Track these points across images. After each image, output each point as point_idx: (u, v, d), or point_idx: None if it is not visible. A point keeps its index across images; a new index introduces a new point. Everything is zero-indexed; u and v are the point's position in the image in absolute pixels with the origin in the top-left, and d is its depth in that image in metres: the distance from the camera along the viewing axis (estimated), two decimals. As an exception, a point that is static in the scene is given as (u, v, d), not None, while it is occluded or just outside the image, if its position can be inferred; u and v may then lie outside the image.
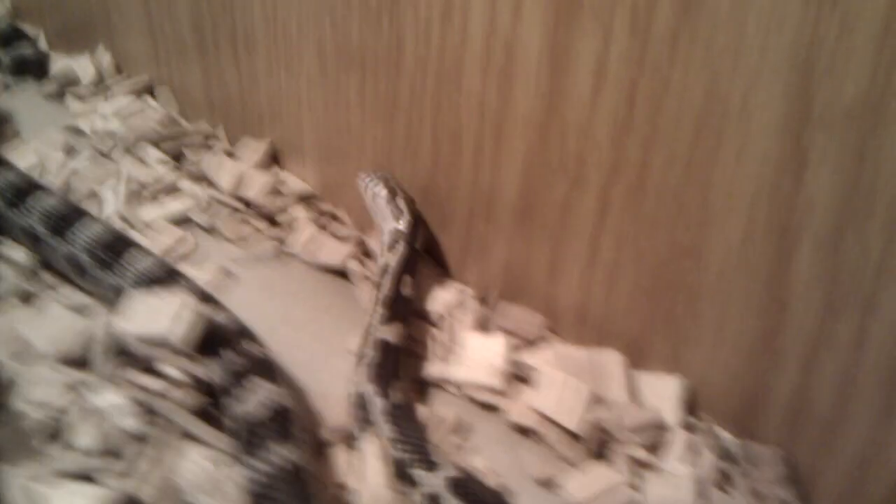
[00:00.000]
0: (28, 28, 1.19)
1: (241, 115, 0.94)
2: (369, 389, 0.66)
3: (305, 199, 0.89)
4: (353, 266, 0.83)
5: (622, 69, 0.60)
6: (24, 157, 0.91)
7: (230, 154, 0.93)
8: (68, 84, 1.06)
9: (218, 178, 0.88)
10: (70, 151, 0.94)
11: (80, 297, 0.75)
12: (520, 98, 0.67)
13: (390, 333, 0.71)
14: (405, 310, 0.76)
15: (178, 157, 0.93)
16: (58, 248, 0.76)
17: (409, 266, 0.78)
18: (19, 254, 0.78)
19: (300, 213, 0.88)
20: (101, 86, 1.06)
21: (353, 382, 0.67)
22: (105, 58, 1.08)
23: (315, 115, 0.86)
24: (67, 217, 0.76)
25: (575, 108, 0.64)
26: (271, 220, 0.87)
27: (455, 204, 0.77)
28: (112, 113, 0.99)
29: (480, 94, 0.69)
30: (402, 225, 0.80)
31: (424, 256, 0.82)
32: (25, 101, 1.05)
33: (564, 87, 0.63)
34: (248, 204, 0.88)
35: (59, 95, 1.06)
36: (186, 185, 0.88)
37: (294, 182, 0.90)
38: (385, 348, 0.71)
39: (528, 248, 0.73)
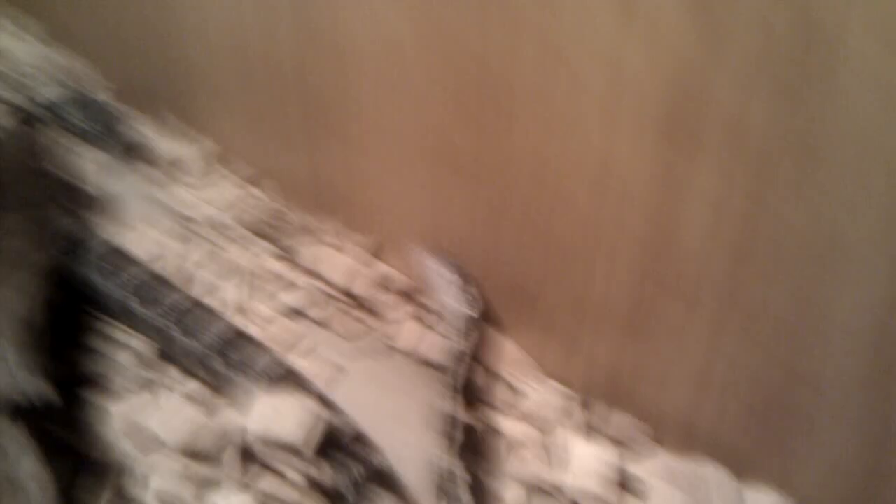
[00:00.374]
0: (122, 105, 1.27)
1: (348, 209, 0.99)
2: (459, 470, 0.70)
3: (409, 294, 0.94)
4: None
5: (743, 206, 0.64)
6: (141, 247, 0.97)
7: (338, 248, 0.98)
8: (173, 170, 1.12)
9: (328, 273, 0.93)
10: (185, 240, 0.99)
11: (199, 389, 0.80)
12: (635, 221, 0.71)
13: (475, 420, 0.76)
14: (481, 398, 0.81)
15: (288, 250, 0.98)
16: (179, 341, 0.81)
17: (481, 353, 0.83)
18: (139, 342, 0.83)
19: (405, 307, 0.92)
20: (206, 173, 1.12)
21: (445, 471, 0.71)
22: (209, 144, 1.14)
23: (423, 215, 0.90)
24: (189, 311, 0.82)
25: (692, 235, 0.68)
26: (378, 315, 0.92)
27: (562, 311, 0.81)
28: (222, 203, 1.05)
29: (596, 212, 0.73)
30: (475, 312, 0.84)
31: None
32: (130, 185, 1.11)
33: (681, 215, 0.67)
34: (356, 298, 0.92)
35: (164, 181, 1.12)
36: (298, 278, 0.94)
37: (399, 277, 0.95)
38: (472, 434, 0.75)
39: (637, 359, 0.76)
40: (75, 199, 0.94)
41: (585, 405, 0.81)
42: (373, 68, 0.86)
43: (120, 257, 0.86)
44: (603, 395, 0.81)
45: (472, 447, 0.75)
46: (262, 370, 0.77)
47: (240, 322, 0.87)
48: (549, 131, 0.73)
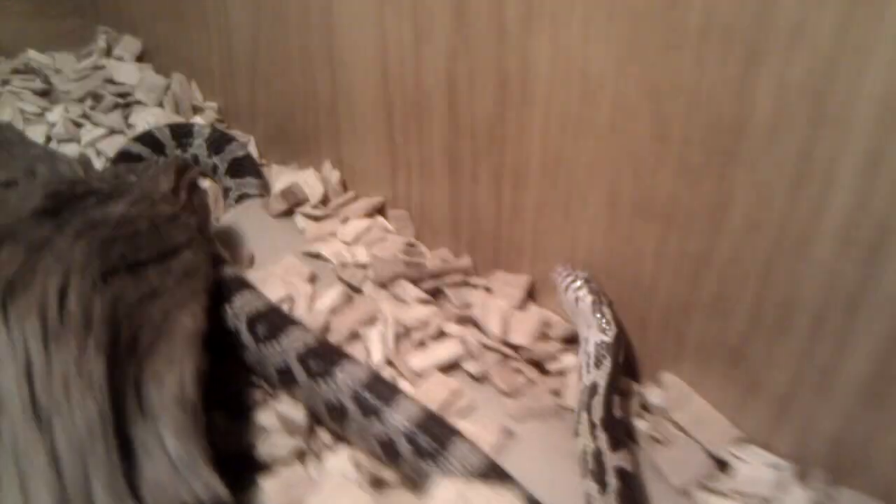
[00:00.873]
0: (238, 134, 1.19)
1: (494, 247, 0.90)
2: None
3: (573, 342, 0.84)
4: (640, 425, 0.76)
5: None
6: (271, 289, 0.88)
7: (487, 290, 0.88)
8: (295, 202, 1.03)
9: (484, 320, 0.84)
10: (315, 280, 0.90)
11: (360, 459, 0.71)
12: (892, 277, 0.60)
13: (625, 461, 0.67)
14: (624, 433, 0.71)
15: (434, 293, 0.89)
16: (320, 393, 0.72)
17: (617, 384, 0.74)
18: (295, 411, 0.74)
19: (570, 359, 0.82)
20: (330, 204, 1.04)
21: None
22: (333, 175, 1.05)
23: (593, 258, 0.80)
24: (331, 361, 0.72)
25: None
26: (541, 367, 0.82)
27: (774, 368, 0.70)
28: (352, 238, 0.96)
29: (834, 266, 0.63)
30: (609, 337, 0.75)
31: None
32: (253, 219, 1.02)
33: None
34: (515, 348, 0.83)
35: (287, 213, 1.03)
36: (451, 327, 0.84)
37: (559, 323, 0.85)
38: (625, 477, 0.66)
39: (875, 429, 0.65)
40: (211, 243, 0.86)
41: (804, 478, 0.70)
42: (555, 104, 0.77)
43: (277, 316, 0.77)
44: (825, 467, 0.70)
45: (634, 498, 0.66)
46: (458, 459, 0.66)
47: (388, 375, 0.78)
48: (784, 182, 0.63)
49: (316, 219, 1.01)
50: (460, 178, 0.90)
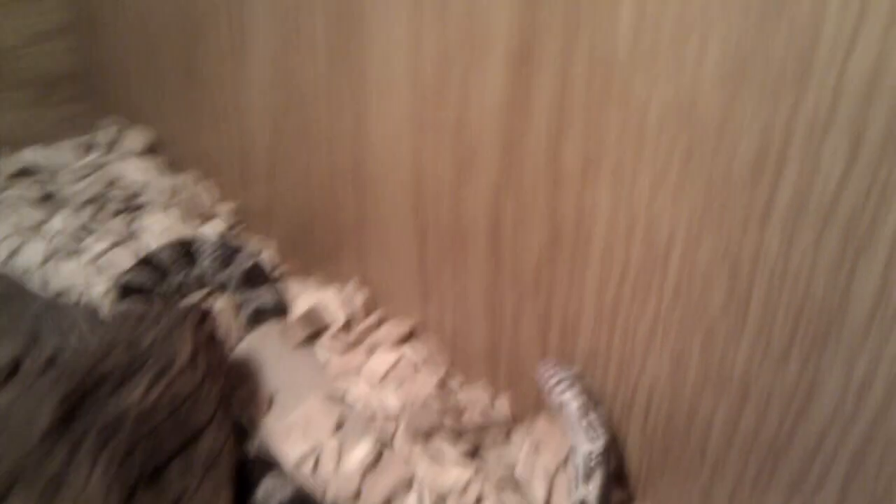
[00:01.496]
0: (253, 239, 1.11)
1: (538, 388, 0.82)
2: None
3: (626, 508, 0.76)
4: None
5: None
6: (291, 444, 0.81)
7: (536, 446, 0.81)
8: (316, 329, 0.96)
9: (528, 484, 0.76)
10: (341, 428, 0.83)
11: None
12: None
13: None
14: None
15: (474, 450, 0.81)
16: None
17: (609, 499, 0.69)
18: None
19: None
20: (354, 328, 0.96)
21: None
22: (358, 295, 0.98)
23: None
24: None
25: None
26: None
27: None
28: (380, 377, 0.89)
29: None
30: (598, 447, 0.70)
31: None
32: (271, 349, 0.95)
33: None
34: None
35: (308, 339, 0.96)
36: (491, 495, 0.76)
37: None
38: None
39: None
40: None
41: None
42: (615, 258, 0.70)
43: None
44: None
45: None
46: None
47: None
48: (865, 380, 0.57)
49: (337, 349, 0.94)
50: (500, 317, 0.84)
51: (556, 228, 0.74)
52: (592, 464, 0.69)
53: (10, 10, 1.21)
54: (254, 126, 1.02)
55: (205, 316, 0.83)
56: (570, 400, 0.71)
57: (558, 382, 0.72)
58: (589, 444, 0.69)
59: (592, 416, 0.70)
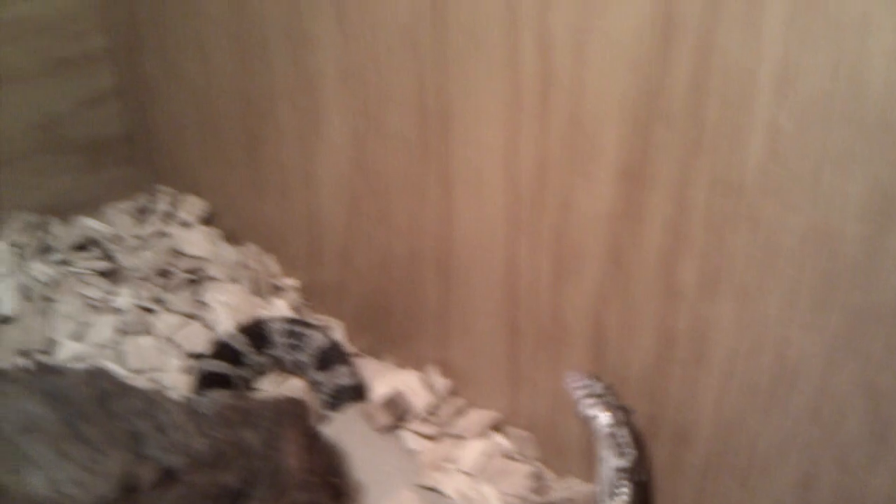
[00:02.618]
0: (322, 318, 1.10)
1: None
2: None
3: None
4: None
5: None
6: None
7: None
8: (401, 415, 0.94)
9: None
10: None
11: None
12: None
13: None
14: None
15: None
16: None
17: None
18: None
19: None
20: (438, 414, 0.95)
21: None
22: (440, 381, 0.97)
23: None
24: None
25: None
26: None
27: None
28: (473, 468, 0.88)
29: None
30: (627, 461, 0.71)
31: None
32: (356, 435, 0.94)
33: None
34: None
35: (391, 426, 0.95)
36: None
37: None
38: None
39: None
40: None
41: None
42: (739, 376, 0.69)
43: None
44: None
45: None
46: None
47: None
48: None
49: (424, 435, 0.93)
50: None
51: (669, 338, 0.73)
52: (621, 479, 0.70)
53: (61, 76, 1.19)
54: (327, 205, 1.01)
55: (303, 409, 0.82)
56: (600, 413, 0.71)
57: (588, 395, 0.73)
58: (617, 460, 0.70)
59: (624, 430, 0.71)
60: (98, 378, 0.79)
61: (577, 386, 0.73)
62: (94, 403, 0.77)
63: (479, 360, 0.94)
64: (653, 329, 0.74)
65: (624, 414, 0.72)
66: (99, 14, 1.18)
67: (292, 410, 0.80)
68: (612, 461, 0.70)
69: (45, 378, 0.77)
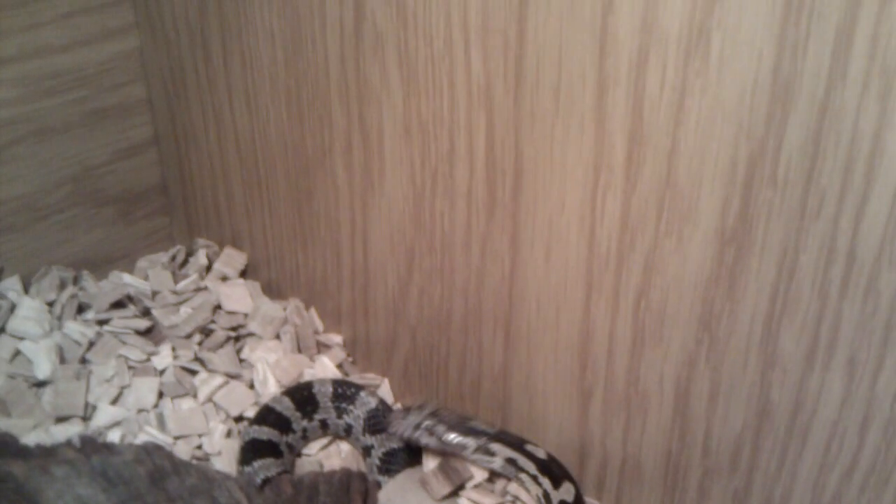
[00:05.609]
0: (368, 375, 1.06)
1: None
2: None
3: None
4: None
5: None
6: None
7: None
8: (456, 482, 0.89)
9: None
10: None
11: None
12: None
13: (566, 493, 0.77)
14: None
15: None
16: None
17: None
18: None
19: None
20: (496, 481, 0.90)
21: None
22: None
23: None
24: None
25: None
26: None
27: None
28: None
29: None
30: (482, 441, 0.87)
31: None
32: (411, 502, 0.89)
33: None
34: None
35: (448, 494, 0.90)
36: None
37: None
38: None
39: None
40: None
41: None
42: (840, 450, 0.65)
43: None
44: None
45: None
46: None
47: None
48: None
49: (486, 505, 0.88)
50: (682, 489, 0.78)
51: (766, 409, 0.69)
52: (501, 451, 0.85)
53: (98, 127, 1.15)
54: (379, 259, 0.97)
55: (368, 485, 0.78)
56: (445, 434, 0.83)
57: (418, 427, 0.82)
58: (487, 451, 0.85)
59: (465, 439, 0.85)
60: (151, 454, 0.74)
61: (404, 425, 0.83)
62: (148, 483, 0.72)
63: (543, 424, 0.89)
64: (749, 398, 0.70)
65: (460, 417, 0.86)
66: (139, 65, 1.15)
67: (357, 486, 0.75)
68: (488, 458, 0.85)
69: (95, 457, 0.72)
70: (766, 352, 0.67)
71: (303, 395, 0.99)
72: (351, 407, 0.98)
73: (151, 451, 0.75)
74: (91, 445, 0.76)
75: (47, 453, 0.73)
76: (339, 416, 0.99)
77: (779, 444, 0.69)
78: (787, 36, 0.56)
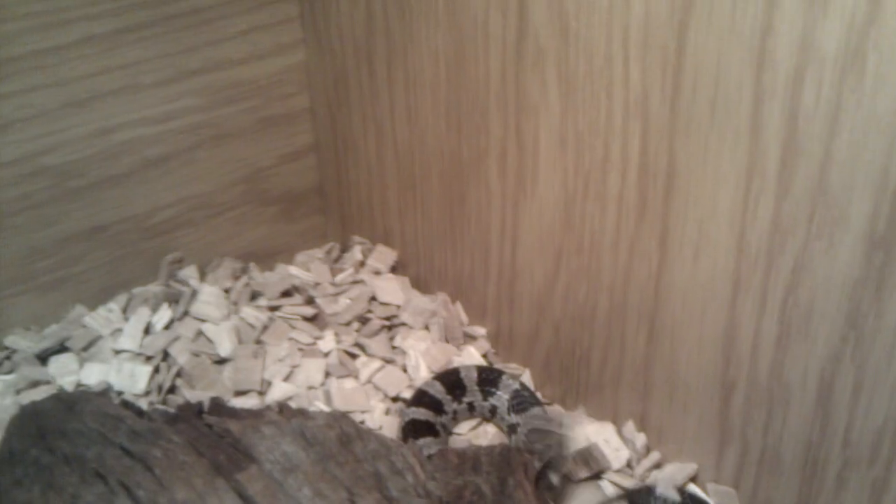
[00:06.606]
0: (509, 365, 1.14)
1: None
2: None
3: None
4: None
5: None
6: None
7: None
8: (595, 468, 0.96)
9: None
10: None
11: None
12: None
13: None
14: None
15: None
16: None
17: None
18: None
19: None
20: (635, 470, 0.97)
21: None
22: (638, 437, 0.99)
23: None
24: None
25: None
26: None
27: None
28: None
29: None
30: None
31: None
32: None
33: None
34: None
35: (588, 478, 0.97)
36: None
37: None
38: None
39: None
40: None
41: None
42: None
43: None
44: None
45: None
46: None
47: None
48: None
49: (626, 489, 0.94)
50: (819, 479, 0.82)
51: (910, 403, 0.73)
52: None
53: (265, 134, 1.28)
54: (526, 259, 1.05)
55: (525, 459, 0.85)
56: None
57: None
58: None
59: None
60: (339, 421, 0.85)
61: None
62: (338, 445, 0.82)
63: (683, 416, 0.95)
64: (889, 394, 0.74)
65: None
66: (304, 77, 1.27)
67: (517, 459, 0.83)
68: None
69: (294, 420, 0.83)
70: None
71: (451, 380, 1.08)
72: (495, 389, 1.07)
73: (339, 418, 0.86)
74: (288, 410, 0.87)
75: (254, 415, 0.84)
76: (485, 399, 1.07)
77: (923, 437, 0.73)
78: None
